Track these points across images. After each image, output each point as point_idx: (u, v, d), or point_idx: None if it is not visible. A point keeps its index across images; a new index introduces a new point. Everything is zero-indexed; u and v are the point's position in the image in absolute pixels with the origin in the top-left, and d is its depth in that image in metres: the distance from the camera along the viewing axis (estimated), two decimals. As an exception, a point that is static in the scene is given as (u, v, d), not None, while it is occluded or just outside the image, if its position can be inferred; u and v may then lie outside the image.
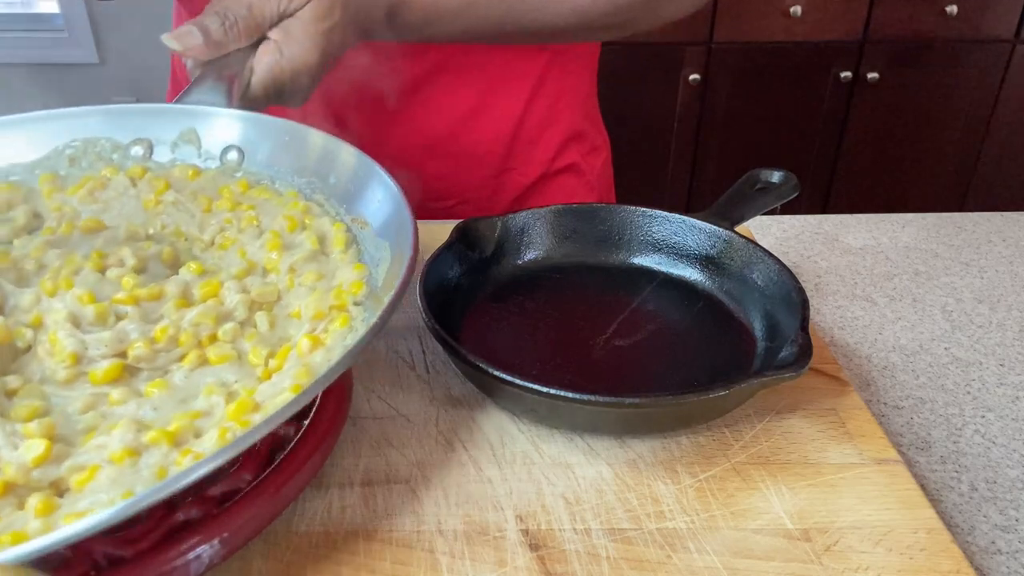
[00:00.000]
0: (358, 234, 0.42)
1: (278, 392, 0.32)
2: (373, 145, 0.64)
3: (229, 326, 0.35)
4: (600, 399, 0.35)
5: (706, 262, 0.49)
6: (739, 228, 0.50)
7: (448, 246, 0.47)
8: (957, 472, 0.38)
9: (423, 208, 0.69)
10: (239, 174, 0.47)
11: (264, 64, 0.48)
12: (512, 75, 0.68)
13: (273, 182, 0.46)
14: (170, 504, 0.32)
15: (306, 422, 0.35)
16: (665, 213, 0.50)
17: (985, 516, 0.36)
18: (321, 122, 0.62)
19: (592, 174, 0.75)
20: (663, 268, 0.50)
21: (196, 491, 0.32)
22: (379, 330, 0.30)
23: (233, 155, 0.48)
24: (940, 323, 0.51)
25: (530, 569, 0.31)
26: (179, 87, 0.70)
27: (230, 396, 0.32)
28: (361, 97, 0.62)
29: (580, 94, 0.74)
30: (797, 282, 0.42)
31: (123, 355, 0.34)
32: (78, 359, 0.33)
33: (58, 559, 0.29)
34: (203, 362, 0.34)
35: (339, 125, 0.63)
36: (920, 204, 1.88)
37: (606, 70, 0.79)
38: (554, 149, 0.72)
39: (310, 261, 0.39)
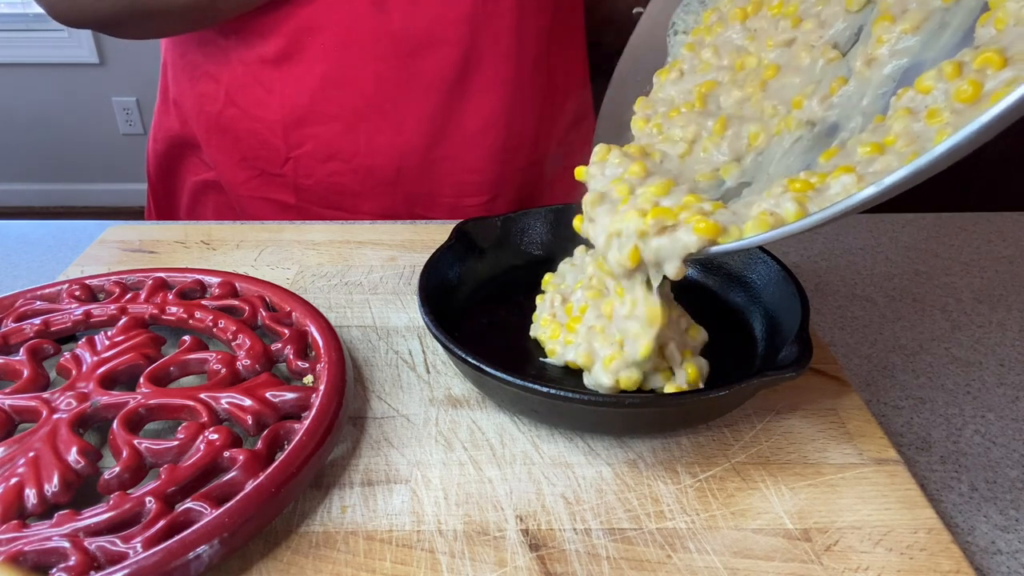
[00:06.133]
0: None
1: None
2: (434, 130, 0.65)
3: None
4: (600, 399, 0.35)
5: (706, 262, 0.49)
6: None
7: (448, 246, 0.47)
8: (957, 472, 0.38)
9: (457, 207, 0.69)
10: None
11: None
12: (540, 57, 0.67)
13: None
14: (169, 501, 0.32)
15: (306, 421, 0.35)
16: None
17: (985, 516, 0.36)
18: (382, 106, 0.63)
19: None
20: (663, 268, 0.50)
21: (193, 489, 0.32)
22: None
23: None
24: (940, 323, 0.51)
25: (530, 569, 0.31)
26: (167, 86, 0.70)
27: None
28: (426, 80, 0.62)
29: (579, 78, 0.74)
30: (797, 282, 0.42)
31: None
32: None
33: (58, 558, 0.29)
34: None
35: (398, 109, 0.64)
36: (920, 204, 1.87)
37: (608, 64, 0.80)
38: (561, 135, 0.73)
39: None
